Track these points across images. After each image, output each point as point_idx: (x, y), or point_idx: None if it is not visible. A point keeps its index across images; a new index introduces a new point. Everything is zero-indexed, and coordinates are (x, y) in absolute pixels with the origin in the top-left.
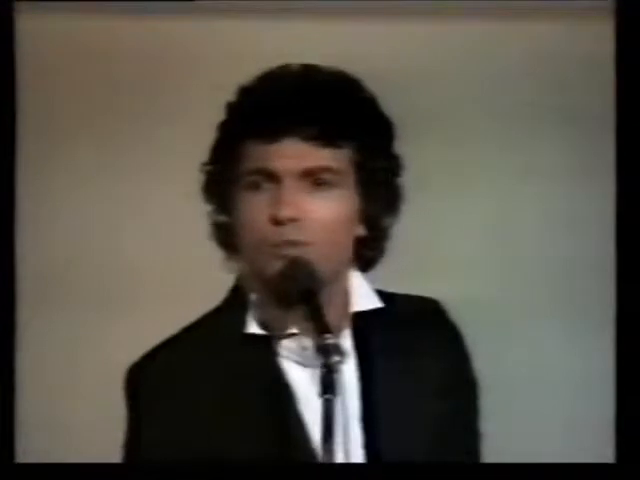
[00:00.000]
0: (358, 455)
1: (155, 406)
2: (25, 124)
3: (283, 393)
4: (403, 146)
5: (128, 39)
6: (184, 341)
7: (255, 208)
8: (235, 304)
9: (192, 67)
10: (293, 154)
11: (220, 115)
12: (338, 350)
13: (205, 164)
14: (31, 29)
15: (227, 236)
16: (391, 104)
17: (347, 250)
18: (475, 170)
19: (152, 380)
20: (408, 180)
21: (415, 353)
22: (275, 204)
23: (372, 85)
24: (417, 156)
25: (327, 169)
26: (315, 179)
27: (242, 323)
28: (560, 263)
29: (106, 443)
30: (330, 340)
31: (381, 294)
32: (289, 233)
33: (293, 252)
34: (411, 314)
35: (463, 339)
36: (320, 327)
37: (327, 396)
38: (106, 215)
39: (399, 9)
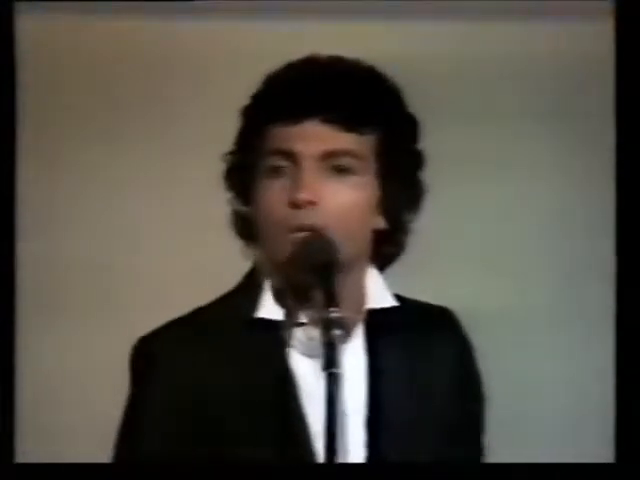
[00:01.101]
0: (358, 455)
1: (156, 384)
2: (25, 124)
3: (285, 381)
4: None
5: (128, 39)
6: (192, 321)
7: (274, 192)
8: (248, 289)
9: (192, 66)
10: (313, 136)
11: (220, 113)
12: (341, 324)
13: (229, 151)
14: (31, 29)
15: (245, 225)
16: None
17: (364, 240)
18: (475, 169)
19: (155, 358)
20: None
21: (425, 357)
22: (294, 187)
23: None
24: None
25: (347, 153)
26: (335, 165)
27: (252, 308)
28: (560, 266)
29: (106, 443)
30: (335, 314)
31: (396, 298)
32: (306, 217)
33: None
34: (424, 319)
35: (473, 350)
36: (328, 300)
37: (331, 370)
38: (107, 215)
39: (400, 9)
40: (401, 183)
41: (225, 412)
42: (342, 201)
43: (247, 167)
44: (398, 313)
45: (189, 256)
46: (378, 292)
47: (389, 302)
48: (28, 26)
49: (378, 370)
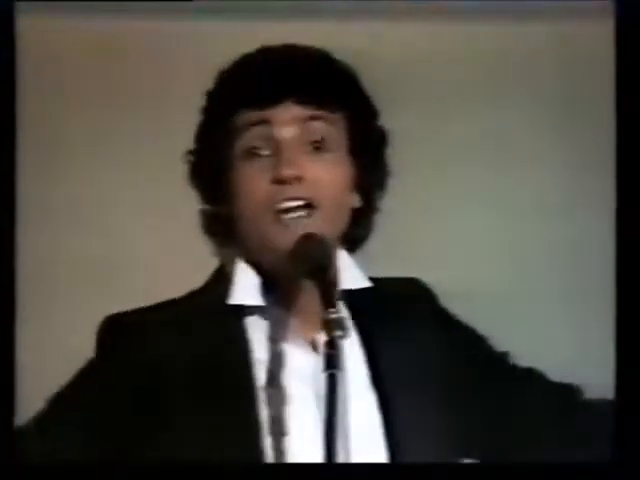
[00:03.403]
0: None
1: (117, 360)
2: (25, 124)
3: (248, 366)
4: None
5: (128, 39)
6: (162, 308)
7: (255, 173)
8: (217, 283)
9: (192, 66)
10: (288, 117)
11: None
12: (341, 325)
13: (190, 150)
14: (31, 29)
15: (215, 223)
16: (394, 105)
17: (345, 219)
18: (477, 168)
19: (121, 334)
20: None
21: (404, 332)
22: (276, 165)
23: (371, 82)
24: (412, 159)
25: (322, 130)
26: (312, 142)
27: (224, 296)
28: (559, 247)
29: None
30: (334, 315)
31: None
32: (292, 191)
33: (300, 220)
34: (397, 294)
35: (450, 313)
36: (328, 302)
37: (331, 371)
38: (105, 211)
39: (399, 9)
40: (370, 161)
41: (185, 396)
42: (325, 176)
43: (214, 161)
44: (372, 293)
45: (188, 255)
46: (351, 272)
47: (363, 283)
48: (28, 26)
49: (376, 354)
